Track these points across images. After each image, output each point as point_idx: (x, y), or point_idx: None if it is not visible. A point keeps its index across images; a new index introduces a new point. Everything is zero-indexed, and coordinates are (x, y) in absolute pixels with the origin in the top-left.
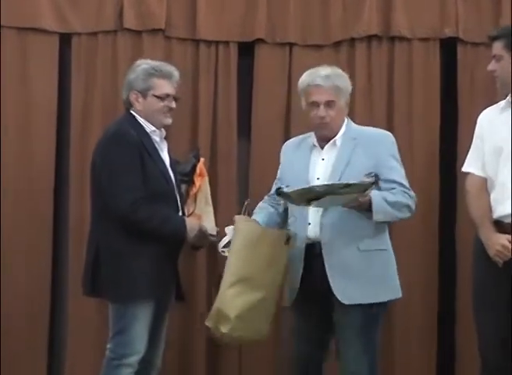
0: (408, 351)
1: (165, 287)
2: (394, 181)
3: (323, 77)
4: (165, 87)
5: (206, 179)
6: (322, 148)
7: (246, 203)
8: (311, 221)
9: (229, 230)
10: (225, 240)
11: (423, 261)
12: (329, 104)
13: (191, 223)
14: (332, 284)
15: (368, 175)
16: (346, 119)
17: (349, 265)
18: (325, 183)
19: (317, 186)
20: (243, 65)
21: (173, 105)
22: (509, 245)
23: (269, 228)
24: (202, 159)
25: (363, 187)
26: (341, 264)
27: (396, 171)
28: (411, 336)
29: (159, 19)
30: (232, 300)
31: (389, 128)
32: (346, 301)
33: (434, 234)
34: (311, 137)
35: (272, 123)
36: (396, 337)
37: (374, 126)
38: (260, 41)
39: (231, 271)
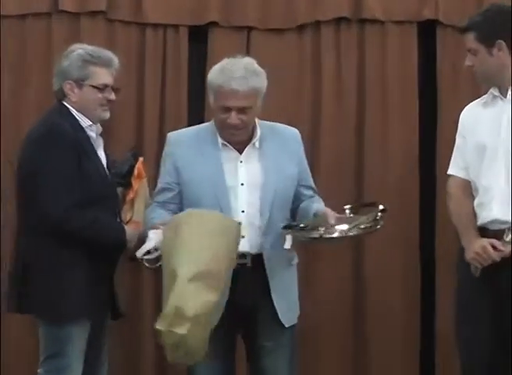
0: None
1: (102, 304)
2: (311, 187)
3: (239, 80)
4: (104, 76)
5: (144, 181)
6: (237, 150)
7: None
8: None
9: (154, 233)
10: (146, 247)
11: (404, 272)
12: (243, 110)
13: (130, 232)
14: (276, 304)
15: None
16: None
17: (285, 280)
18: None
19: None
20: (194, 51)
21: (112, 96)
22: (490, 248)
23: (221, 214)
24: (141, 159)
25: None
26: (280, 279)
27: (309, 174)
28: (391, 353)
29: (100, 0)
30: (194, 297)
31: (360, 123)
32: (286, 323)
33: (414, 245)
34: (214, 134)
35: None
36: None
37: (344, 121)
38: (214, 24)
39: (192, 261)
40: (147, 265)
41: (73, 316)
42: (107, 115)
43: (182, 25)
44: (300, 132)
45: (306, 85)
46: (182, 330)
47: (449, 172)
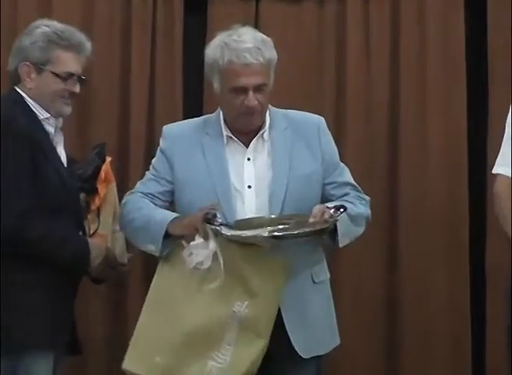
0: None
1: (64, 332)
2: (347, 183)
3: (253, 52)
4: (70, 63)
5: (113, 186)
6: (243, 142)
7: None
8: None
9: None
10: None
11: (452, 281)
12: (260, 88)
13: (95, 247)
14: (289, 332)
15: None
16: None
17: (305, 303)
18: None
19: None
20: (191, 25)
21: (77, 88)
22: None
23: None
24: (109, 159)
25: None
26: (297, 302)
27: (344, 169)
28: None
29: None
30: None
31: (394, 113)
32: (304, 355)
33: (464, 256)
34: (219, 125)
35: None
36: None
37: (373, 112)
38: None
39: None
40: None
41: (34, 345)
42: (68, 110)
43: None
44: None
45: (327, 67)
46: None
47: (496, 171)
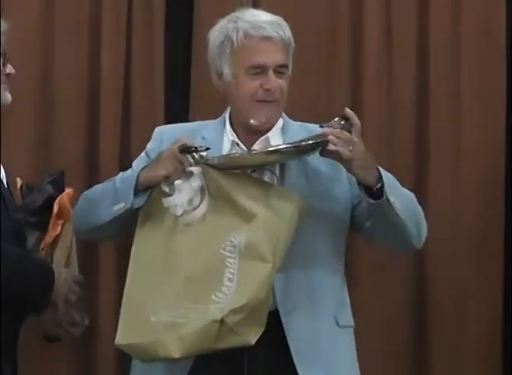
0: None
1: None
2: None
3: (273, 23)
4: None
5: (70, 225)
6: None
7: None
8: None
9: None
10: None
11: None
12: (281, 70)
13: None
14: None
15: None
16: None
17: (330, 349)
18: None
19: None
20: (174, 16)
21: (10, 69)
22: None
23: None
24: (68, 190)
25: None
26: (313, 351)
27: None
28: None
29: None
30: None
31: (421, 114)
32: None
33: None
34: (221, 130)
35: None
36: None
37: (396, 112)
38: None
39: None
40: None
41: None
42: (7, 97)
43: None
44: None
45: (340, 63)
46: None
47: None
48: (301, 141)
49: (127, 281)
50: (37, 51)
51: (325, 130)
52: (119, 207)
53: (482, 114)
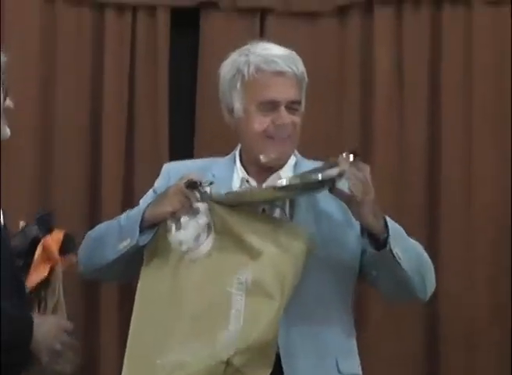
0: None
1: None
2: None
3: (285, 58)
4: None
5: (58, 269)
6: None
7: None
8: None
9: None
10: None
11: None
12: (294, 107)
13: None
14: None
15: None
16: None
17: None
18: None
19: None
20: (179, 44)
21: (11, 104)
22: None
23: None
24: (56, 232)
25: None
26: None
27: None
28: None
29: None
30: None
31: (433, 147)
32: None
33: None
34: (231, 167)
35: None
36: None
37: (408, 145)
38: (209, 5)
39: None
40: None
41: None
42: (6, 131)
43: (161, 4)
44: None
45: (350, 97)
46: None
47: None
48: (312, 171)
49: (132, 320)
50: (38, 87)
51: (339, 165)
52: (125, 245)
53: (496, 164)
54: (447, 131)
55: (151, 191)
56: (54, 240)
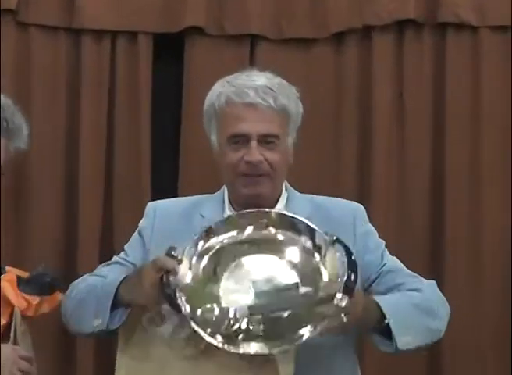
0: None
1: None
2: (398, 285)
3: (261, 91)
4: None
5: (16, 312)
6: None
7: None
8: None
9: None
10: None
11: None
12: (268, 140)
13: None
14: None
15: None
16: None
17: None
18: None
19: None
20: (161, 72)
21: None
22: None
23: None
24: (11, 271)
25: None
26: None
27: (392, 266)
28: None
29: None
30: None
31: (437, 182)
32: None
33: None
34: (220, 205)
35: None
36: None
37: (411, 180)
38: (194, 30)
39: None
40: None
41: None
42: None
43: (143, 32)
44: (344, 196)
45: (347, 133)
46: None
47: None
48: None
49: None
50: None
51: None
52: (97, 324)
53: (503, 201)
54: (453, 171)
55: (136, 233)
56: (9, 281)
